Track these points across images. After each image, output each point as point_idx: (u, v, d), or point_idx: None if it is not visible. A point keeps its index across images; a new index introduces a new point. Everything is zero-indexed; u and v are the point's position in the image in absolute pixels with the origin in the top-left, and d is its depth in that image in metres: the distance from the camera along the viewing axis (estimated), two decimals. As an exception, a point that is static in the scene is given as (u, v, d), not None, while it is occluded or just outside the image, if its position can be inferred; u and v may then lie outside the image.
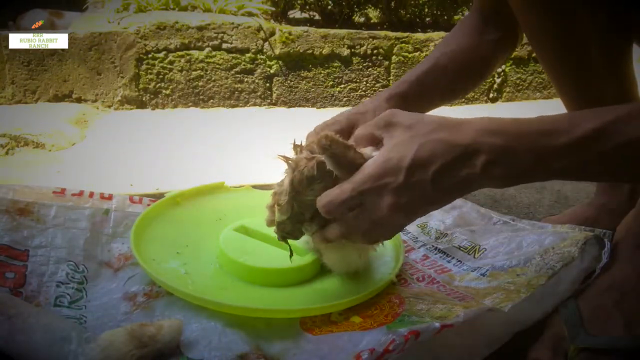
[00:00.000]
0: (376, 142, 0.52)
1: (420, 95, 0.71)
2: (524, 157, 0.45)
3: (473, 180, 0.47)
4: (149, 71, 1.95)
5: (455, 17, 2.86)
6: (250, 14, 2.17)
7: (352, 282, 0.64)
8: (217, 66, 2.01)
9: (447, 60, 0.74)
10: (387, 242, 0.72)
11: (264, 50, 2.05)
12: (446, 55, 0.75)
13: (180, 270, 0.63)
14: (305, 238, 0.60)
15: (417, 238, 0.78)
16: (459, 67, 0.74)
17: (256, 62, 2.05)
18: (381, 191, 0.48)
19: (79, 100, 1.95)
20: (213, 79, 2.02)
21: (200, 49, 1.98)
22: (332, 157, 0.51)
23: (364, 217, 0.51)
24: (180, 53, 1.97)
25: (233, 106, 2.06)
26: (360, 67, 2.16)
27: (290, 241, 0.63)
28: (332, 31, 2.12)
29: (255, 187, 0.86)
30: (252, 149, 1.51)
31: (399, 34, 2.21)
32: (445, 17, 2.76)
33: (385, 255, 0.69)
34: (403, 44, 2.20)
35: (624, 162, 0.45)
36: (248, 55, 2.03)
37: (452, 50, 0.75)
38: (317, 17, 2.75)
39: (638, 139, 0.43)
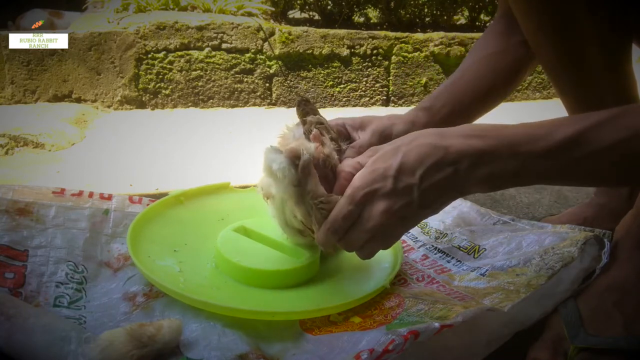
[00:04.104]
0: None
1: (451, 104, 0.70)
2: (506, 160, 0.47)
3: (459, 182, 0.48)
4: (149, 71, 1.95)
5: (455, 17, 2.87)
6: (249, 14, 2.17)
7: (346, 287, 0.64)
8: (217, 66, 2.01)
9: (478, 67, 0.74)
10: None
11: (264, 50, 2.05)
12: (476, 62, 0.74)
13: (174, 268, 0.63)
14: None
15: (416, 238, 0.78)
16: (491, 72, 0.73)
17: (256, 62, 2.05)
18: (372, 198, 0.49)
19: (78, 100, 1.95)
20: (213, 79, 2.02)
21: (200, 49, 1.98)
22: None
23: (360, 229, 0.51)
24: (179, 53, 1.97)
25: (233, 106, 2.06)
26: (360, 67, 2.16)
27: (286, 243, 0.64)
28: (331, 31, 2.12)
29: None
30: (252, 149, 1.51)
31: (398, 34, 2.21)
32: (445, 17, 2.76)
33: (384, 261, 0.69)
34: (403, 44, 2.20)
35: (605, 167, 0.46)
36: (248, 55, 2.03)
37: (483, 56, 0.74)
38: (316, 17, 2.75)
39: (616, 143, 0.44)
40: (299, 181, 0.53)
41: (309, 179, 0.53)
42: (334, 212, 0.52)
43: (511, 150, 0.46)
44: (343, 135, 0.64)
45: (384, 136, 0.64)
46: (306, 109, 0.61)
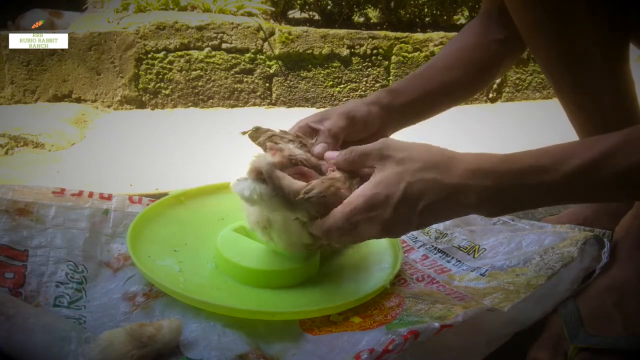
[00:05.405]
0: (367, 170, 0.54)
1: (417, 91, 0.70)
2: (514, 194, 0.48)
3: (463, 212, 0.50)
4: (149, 71, 1.95)
5: (455, 17, 2.86)
6: (249, 14, 2.17)
7: (346, 287, 0.64)
8: (217, 66, 2.01)
9: (450, 58, 0.74)
10: (387, 247, 0.72)
11: (264, 50, 2.05)
12: (450, 54, 0.74)
13: (174, 267, 0.63)
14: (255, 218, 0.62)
15: (416, 238, 0.78)
16: (462, 64, 0.73)
17: (256, 62, 2.05)
18: (371, 221, 0.51)
19: (78, 100, 1.95)
20: (213, 79, 2.02)
21: (200, 49, 1.98)
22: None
23: (356, 238, 0.55)
24: (179, 53, 1.97)
25: (233, 106, 2.06)
26: (360, 67, 2.16)
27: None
28: (331, 31, 2.12)
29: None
30: (252, 149, 1.50)
31: (398, 34, 2.20)
32: (445, 17, 2.76)
33: (384, 261, 0.69)
34: (403, 44, 2.20)
35: (614, 191, 0.47)
36: (248, 55, 2.03)
37: (456, 48, 0.75)
38: (316, 17, 2.75)
39: (626, 170, 0.44)
40: (274, 190, 0.54)
41: (280, 182, 0.54)
42: (330, 222, 0.53)
43: (520, 183, 0.47)
44: (308, 133, 0.65)
45: (349, 117, 0.64)
46: (256, 134, 0.63)
